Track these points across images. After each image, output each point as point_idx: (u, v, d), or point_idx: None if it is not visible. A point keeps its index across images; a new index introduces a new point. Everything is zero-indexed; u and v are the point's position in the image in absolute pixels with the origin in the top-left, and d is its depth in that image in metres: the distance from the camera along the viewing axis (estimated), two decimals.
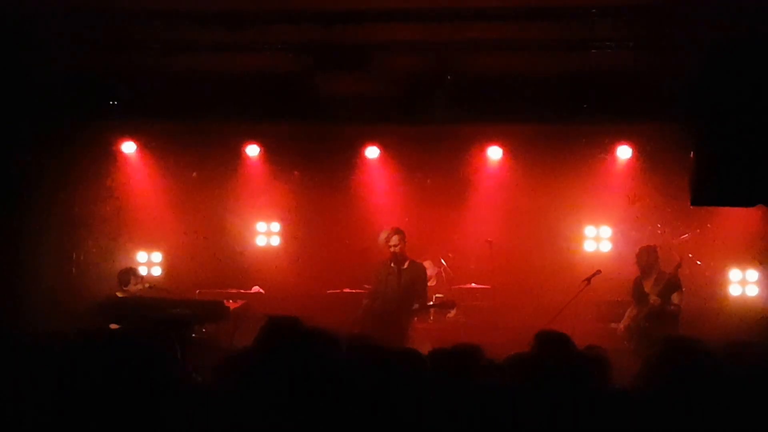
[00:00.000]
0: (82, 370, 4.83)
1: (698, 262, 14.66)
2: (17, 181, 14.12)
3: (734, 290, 14.91)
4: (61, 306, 13.48)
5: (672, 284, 12.92)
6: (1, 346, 5.39)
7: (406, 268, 13.20)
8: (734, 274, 14.91)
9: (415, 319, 13.44)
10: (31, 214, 14.49)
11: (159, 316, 10.37)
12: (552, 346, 6.60)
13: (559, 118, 13.74)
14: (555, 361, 5.56)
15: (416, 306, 13.21)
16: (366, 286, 14.11)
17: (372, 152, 15.68)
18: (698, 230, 14.76)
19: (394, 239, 13.10)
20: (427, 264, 14.48)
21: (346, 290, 14.59)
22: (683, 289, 13.04)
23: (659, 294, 12.88)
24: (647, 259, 13.29)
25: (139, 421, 4.65)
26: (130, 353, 4.95)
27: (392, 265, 13.17)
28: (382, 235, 13.25)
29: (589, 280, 13.18)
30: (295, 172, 15.93)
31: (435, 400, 4.92)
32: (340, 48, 12.65)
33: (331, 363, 5.10)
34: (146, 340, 5.27)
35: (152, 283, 14.60)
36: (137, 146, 15.70)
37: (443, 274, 14.89)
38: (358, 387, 4.94)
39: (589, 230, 15.52)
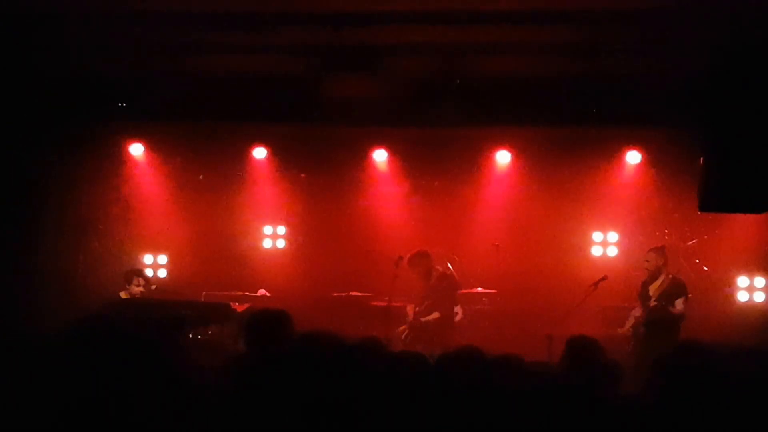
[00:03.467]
0: (82, 369, 4.81)
1: (705, 268, 14.62)
2: (25, 181, 14.13)
3: (742, 296, 14.85)
4: (67, 307, 13.47)
5: (677, 289, 12.88)
6: (7, 345, 5.38)
7: (432, 283, 13.65)
8: (742, 280, 14.85)
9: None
10: (38, 215, 14.51)
11: (161, 317, 10.39)
12: (583, 353, 6.60)
13: (568, 123, 13.73)
14: (583, 369, 5.54)
15: (457, 311, 13.89)
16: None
17: (380, 155, 15.64)
18: (706, 236, 14.75)
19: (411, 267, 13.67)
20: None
21: (353, 293, 14.60)
22: (689, 296, 12.98)
23: (662, 298, 12.84)
24: (656, 260, 13.23)
25: (138, 421, 4.63)
26: (131, 351, 4.93)
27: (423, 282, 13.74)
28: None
29: (595, 285, 13.18)
30: (302, 175, 15.91)
31: (439, 403, 4.90)
32: (349, 50, 12.64)
33: (331, 365, 5.08)
34: (148, 338, 5.25)
35: (158, 285, 14.61)
36: (145, 148, 15.70)
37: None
38: (359, 388, 4.92)
39: (597, 235, 15.47)
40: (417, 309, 13.71)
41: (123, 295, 13.62)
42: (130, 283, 13.69)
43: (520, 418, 4.82)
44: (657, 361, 5.14)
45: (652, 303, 12.88)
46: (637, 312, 13.20)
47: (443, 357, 5.80)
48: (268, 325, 6.79)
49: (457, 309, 14.18)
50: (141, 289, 13.70)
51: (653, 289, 13.08)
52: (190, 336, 11.88)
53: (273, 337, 6.50)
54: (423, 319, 13.56)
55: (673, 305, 12.81)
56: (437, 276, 13.78)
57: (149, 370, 4.79)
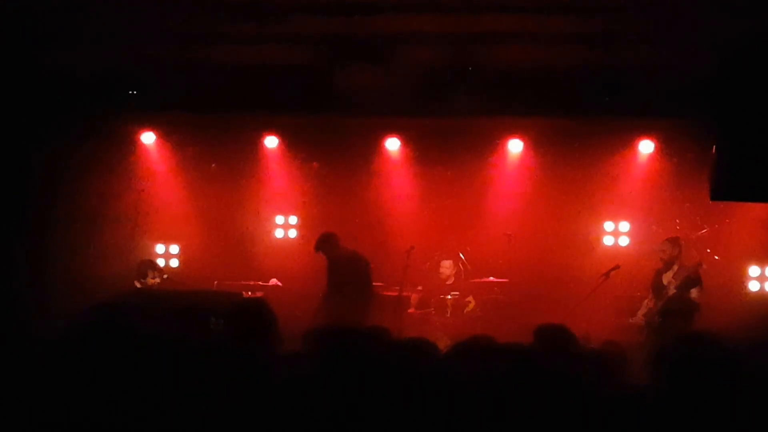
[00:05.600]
0: (100, 358, 4.84)
1: (716, 257, 14.60)
2: (36, 171, 14.17)
3: (753, 286, 14.84)
4: (79, 297, 13.48)
5: (691, 279, 12.89)
6: (20, 338, 5.41)
7: (344, 264, 13.78)
8: (753, 270, 14.84)
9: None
10: (50, 205, 14.54)
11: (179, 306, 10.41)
12: (553, 341, 6.61)
13: (581, 112, 13.68)
14: (556, 357, 5.55)
15: (469, 300, 14.24)
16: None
17: (392, 144, 15.63)
18: (717, 225, 14.70)
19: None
20: (446, 264, 14.52)
21: None
22: (703, 285, 12.99)
23: (677, 288, 12.86)
24: (671, 251, 13.25)
25: (162, 409, 4.67)
26: (153, 341, 4.97)
27: None
28: None
29: (607, 274, 13.22)
30: (314, 164, 15.90)
31: (450, 392, 4.91)
32: (360, 39, 12.64)
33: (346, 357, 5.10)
34: (169, 329, 5.29)
35: (170, 275, 14.63)
36: (156, 137, 15.69)
37: (461, 268, 14.84)
38: (367, 375, 4.94)
39: (608, 225, 15.46)
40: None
41: (138, 284, 13.66)
42: (144, 276, 13.72)
43: (531, 407, 4.83)
44: (661, 351, 5.13)
45: (672, 292, 12.90)
46: (650, 302, 13.22)
47: (456, 346, 5.81)
48: (248, 316, 6.85)
49: (469, 298, 14.21)
50: (157, 281, 13.74)
51: (667, 279, 13.10)
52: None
53: (254, 327, 6.56)
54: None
55: (689, 295, 12.84)
56: (348, 257, 13.73)
57: (177, 359, 4.83)
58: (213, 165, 15.86)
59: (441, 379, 4.96)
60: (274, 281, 14.99)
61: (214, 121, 15.12)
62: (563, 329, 6.92)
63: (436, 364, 5.26)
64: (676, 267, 13.15)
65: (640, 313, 13.27)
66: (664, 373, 4.92)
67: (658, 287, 13.23)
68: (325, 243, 13.72)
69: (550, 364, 5.17)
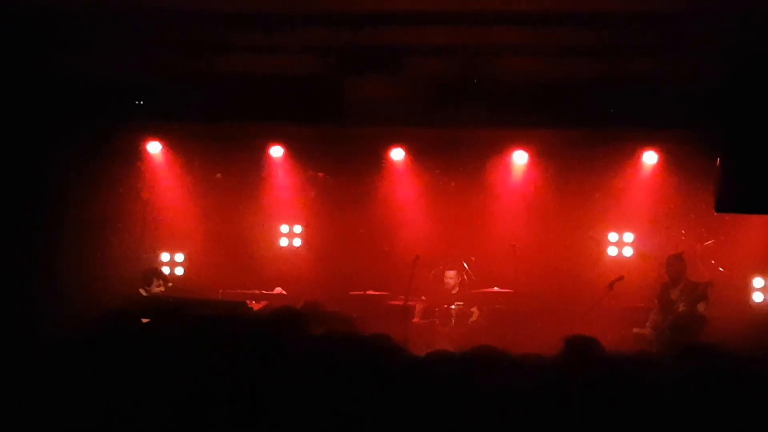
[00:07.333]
0: (107, 364, 4.87)
1: (721, 269, 14.60)
2: (43, 180, 14.21)
3: (757, 297, 14.84)
4: (86, 304, 13.50)
5: (699, 294, 12.92)
6: (27, 343, 5.44)
7: None
8: (757, 281, 14.83)
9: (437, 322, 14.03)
10: (56, 213, 14.56)
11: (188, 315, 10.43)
12: (581, 350, 6.60)
13: (586, 124, 13.71)
14: (583, 366, 5.55)
15: (473, 311, 14.26)
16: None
17: (397, 155, 15.66)
18: (722, 237, 14.72)
19: None
20: (451, 273, 14.55)
21: (369, 292, 14.59)
22: (709, 299, 13.02)
23: (686, 303, 12.90)
24: (676, 267, 13.31)
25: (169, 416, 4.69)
26: (159, 347, 4.99)
27: None
28: None
29: (611, 285, 13.24)
30: (320, 174, 15.93)
31: (455, 402, 4.93)
32: (367, 50, 12.67)
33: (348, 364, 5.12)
34: (179, 336, 5.31)
35: (175, 283, 14.66)
36: (163, 146, 15.74)
37: (466, 278, 14.87)
38: (385, 382, 4.95)
39: (613, 236, 15.47)
40: None
41: (143, 293, 13.69)
42: (149, 284, 13.76)
43: (535, 416, 4.85)
44: (669, 361, 5.16)
45: (681, 307, 12.94)
46: (657, 315, 13.27)
47: (460, 356, 5.82)
48: (285, 324, 6.86)
49: (474, 308, 14.23)
50: (161, 289, 13.78)
51: (675, 294, 13.15)
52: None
53: (290, 337, 6.56)
54: None
55: (697, 309, 12.88)
56: None
57: (182, 365, 4.85)
58: (218, 174, 15.90)
59: (455, 387, 4.98)
60: (278, 290, 15.00)
61: (220, 131, 15.15)
62: (592, 340, 6.92)
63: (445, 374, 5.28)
64: (683, 282, 13.21)
65: (648, 324, 13.32)
66: (672, 383, 4.94)
67: (665, 301, 13.27)
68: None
69: (578, 373, 5.19)
